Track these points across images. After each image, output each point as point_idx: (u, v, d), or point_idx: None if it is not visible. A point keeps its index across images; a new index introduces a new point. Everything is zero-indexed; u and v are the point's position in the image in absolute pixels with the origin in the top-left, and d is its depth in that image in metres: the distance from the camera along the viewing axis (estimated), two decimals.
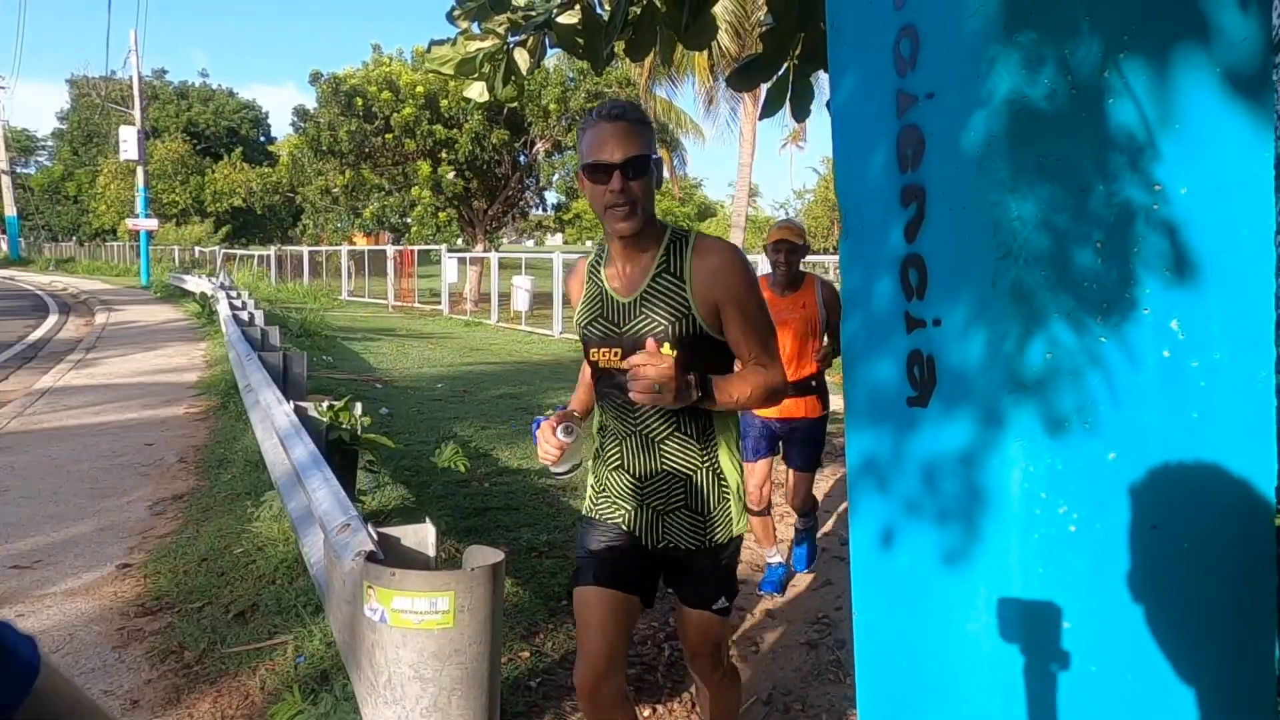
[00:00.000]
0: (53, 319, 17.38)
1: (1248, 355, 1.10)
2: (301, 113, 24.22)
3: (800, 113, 3.16)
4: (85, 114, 50.38)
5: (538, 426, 2.06)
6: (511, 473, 5.76)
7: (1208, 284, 1.09)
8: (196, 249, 38.16)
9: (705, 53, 17.02)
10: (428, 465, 5.66)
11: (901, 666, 1.27)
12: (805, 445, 4.11)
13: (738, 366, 1.74)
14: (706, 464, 1.84)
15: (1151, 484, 1.09)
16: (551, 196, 26.25)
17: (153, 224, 29.85)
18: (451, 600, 1.96)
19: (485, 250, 24.14)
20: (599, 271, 1.91)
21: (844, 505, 5.43)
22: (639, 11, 3.01)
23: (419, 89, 22.08)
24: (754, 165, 18.25)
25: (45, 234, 58.88)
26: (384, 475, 5.33)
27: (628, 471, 1.99)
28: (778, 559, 4.16)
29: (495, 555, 2.10)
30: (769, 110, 3.26)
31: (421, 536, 2.38)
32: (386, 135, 22.58)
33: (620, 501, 2.03)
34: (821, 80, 3.48)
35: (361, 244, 30.11)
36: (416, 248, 24.11)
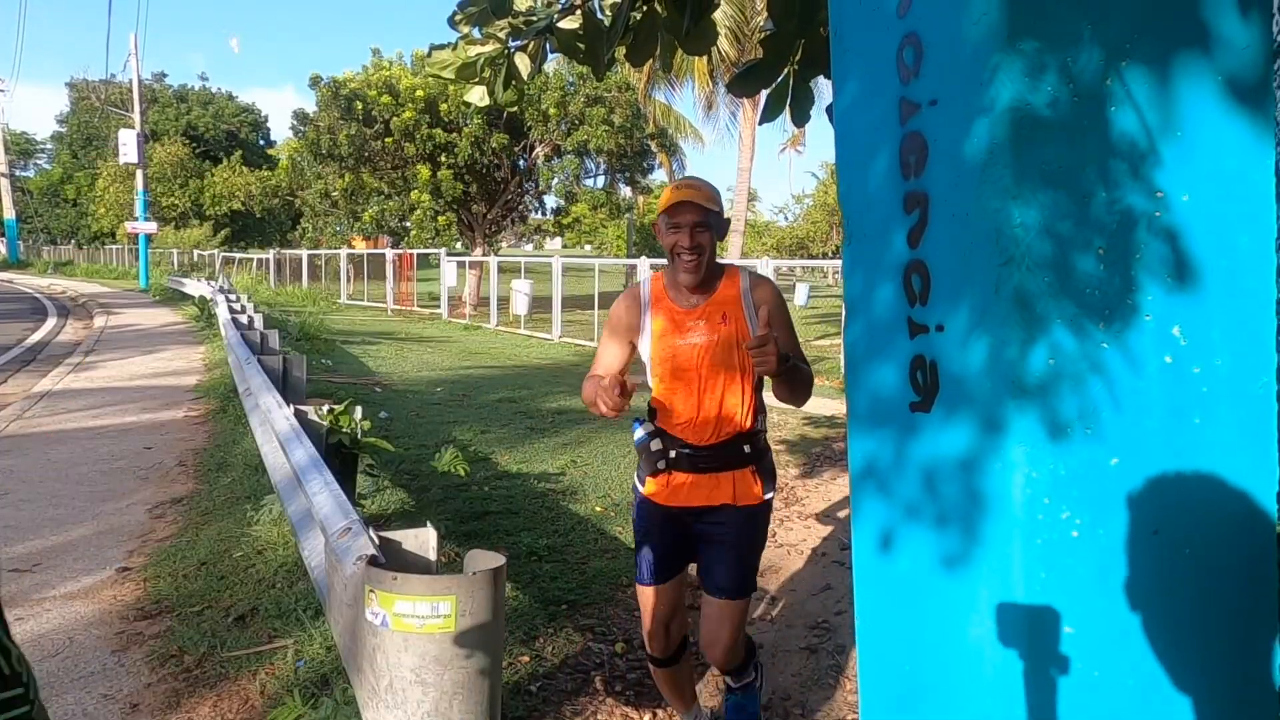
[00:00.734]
0: (51, 322, 17.37)
1: (1249, 361, 1.11)
2: (301, 116, 24.24)
3: (800, 118, 3.17)
4: (85, 117, 50.42)
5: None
6: (511, 477, 5.76)
7: (1209, 290, 1.09)
8: (195, 252, 38.16)
9: (704, 57, 17.04)
10: (427, 469, 5.66)
11: (904, 670, 1.27)
12: (733, 552, 2.44)
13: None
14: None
15: (1153, 490, 1.10)
16: (550, 200, 26.26)
17: (152, 227, 29.84)
18: (453, 604, 1.96)
19: (484, 254, 24.15)
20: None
21: (845, 510, 5.43)
22: (640, 17, 3.02)
23: (419, 93, 22.10)
24: (753, 170, 18.27)
25: (44, 237, 58.86)
26: (383, 479, 5.33)
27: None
28: None
29: (496, 559, 2.10)
30: (769, 115, 3.27)
31: (423, 541, 2.38)
32: (386, 139, 22.60)
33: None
34: (821, 85, 3.50)
35: (361, 248, 30.11)
36: (415, 251, 24.12)
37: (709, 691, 3.16)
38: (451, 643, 1.98)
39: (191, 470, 5.75)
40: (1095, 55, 1.03)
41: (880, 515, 1.33)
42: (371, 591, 2.01)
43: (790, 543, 4.84)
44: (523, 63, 3.15)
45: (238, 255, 36.20)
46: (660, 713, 2.99)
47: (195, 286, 19.34)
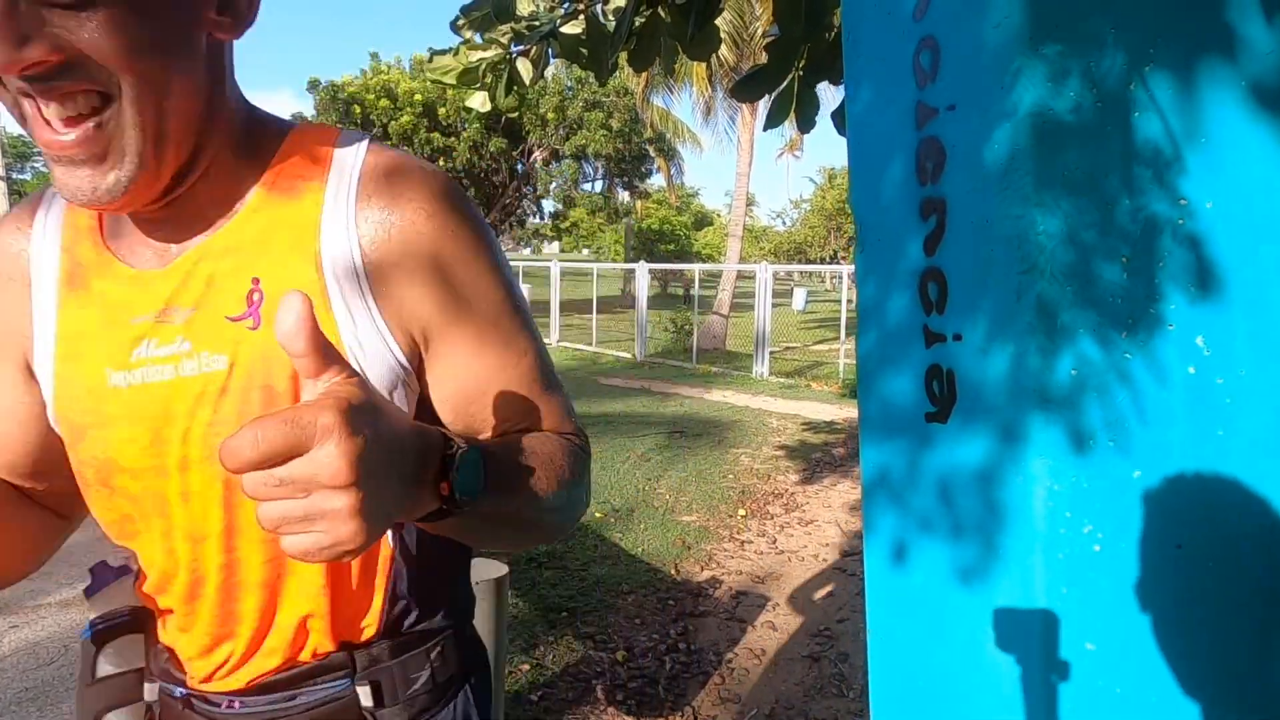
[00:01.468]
0: None
1: (1273, 372, 1.09)
2: (299, 120, 24.25)
3: (805, 124, 3.15)
4: None
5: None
6: None
7: (1233, 300, 1.07)
8: None
9: (704, 63, 17.06)
10: None
11: (917, 686, 1.25)
12: None
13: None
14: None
15: (1176, 503, 1.07)
16: (549, 205, 26.29)
17: None
18: None
19: None
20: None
21: (850, 519, 5.41)
22: (643, 22, 3.00)
23: (417, 97, 22.11)
24: (751, 174, 18.26)
25: None
26: None
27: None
28: None
29: (499, 568, 2.07)
30: (773, 121, 3.25)
31: None
32: (384, 143, 22.60)
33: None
34: (824, 91, 3.48)
35: None
36: None
37: (710, 699, 3.14)
38: None
39: None
40: (1119, 60, 1.01)
41: (893, 527, 1.31)
42: None
43: (791, 549, 4.82)
44: (525, 68, 3.13)
45: None
46: None
47: None
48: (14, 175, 59.34)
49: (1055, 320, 1.02)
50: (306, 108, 35.45)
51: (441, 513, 0.69)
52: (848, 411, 9.40)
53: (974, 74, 1.07)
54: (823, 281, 48.08)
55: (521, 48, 3.04)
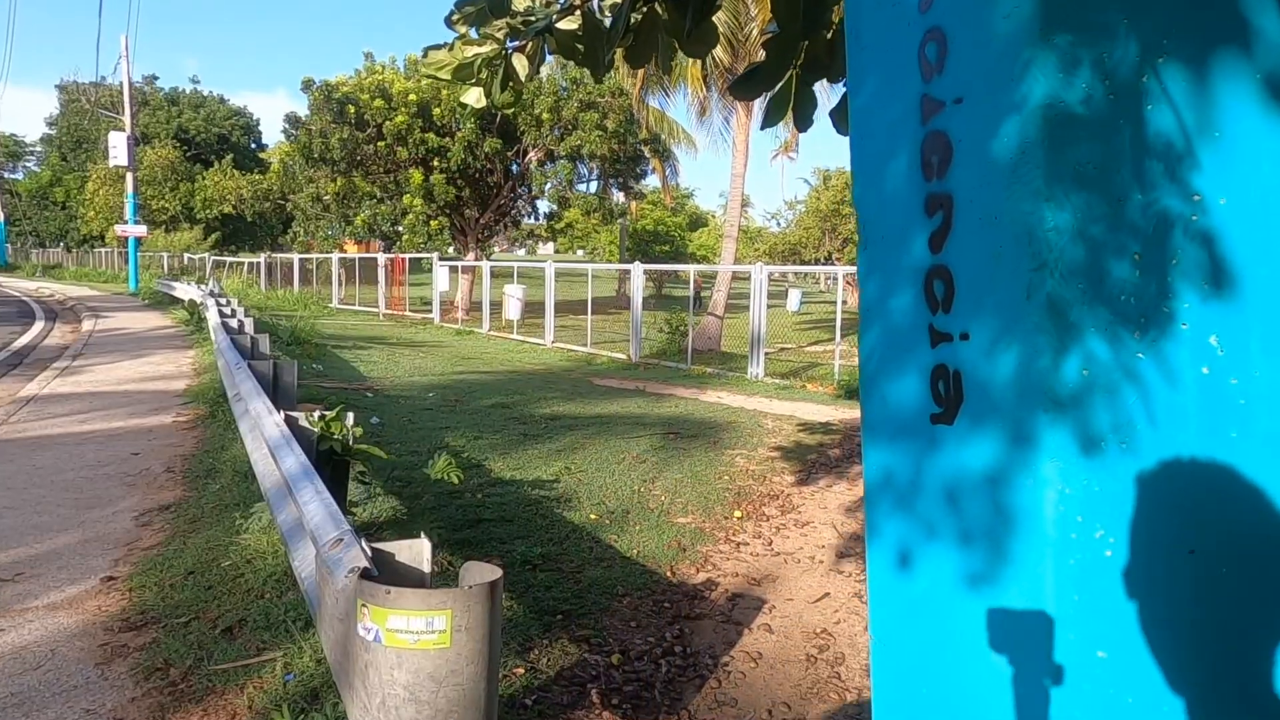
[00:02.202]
0: (39, 325, 17.19)
1: None
2: (293, 120, 24.16)
3: (803, 123, 3.12)
4: (74, 120, 50.14)
5: None
6: (505, 484, 5.69)
7: (1246, 298, 1.05)
8: (186, 256, 37.93)
9: (699, 63, 17.03)
10: (420, 476, 5.58)
11: (922, 694, 1.22)
12: None
13: None
14: None
15: (1189, 507, 1.05)
16: (543, 205, 26.26)
17: (142, 230, 29.65)
18: (449, 620, 1.90)
19: (477, 259, 24.06)
20: None
21: (846, 520, 5.39)
22: (640, 18, 2.98)
23: (411, 97, 22.06)
24: (746, 175, 18.25)
25: (32, 240, 58.45)
26: (375, 486, 5.25)
27: None
28: None
29: (493, 572, 2.04)
30: (771, 120, 3.22)
31: (417, 552, 2.32)
32: (378, 143, 22.53)
33: None
34: (820, 90, 3.46)
35: (352, 252, 29.99)
36: (408, 256, 24.03)
37: (706, 703, 3.11)
38: (446, 659, 1.92)
39: (180, 477, 5.66)
40: (1131, 50, 0.98)
41: (898, 532, 1.27)
42: (364, 606, 1.95)
43: (786, 551, 4.78)
44: (520, 64, 3.10)
45: (228, 259, 36.01)
46: None
47: (185, 290, 19.19)
48: (6, 175, 59.03)
49: (1066, 319, 0.99)
50: (301, 108, 35.35)
51: None
52: (843, 413, 9.39)
53: (982, 66, 1.04)
54: (817, 283, 48.17)
55: (517, 43, 3.01)
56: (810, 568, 4.54)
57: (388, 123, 21.94)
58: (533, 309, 19.94)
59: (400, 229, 23.69)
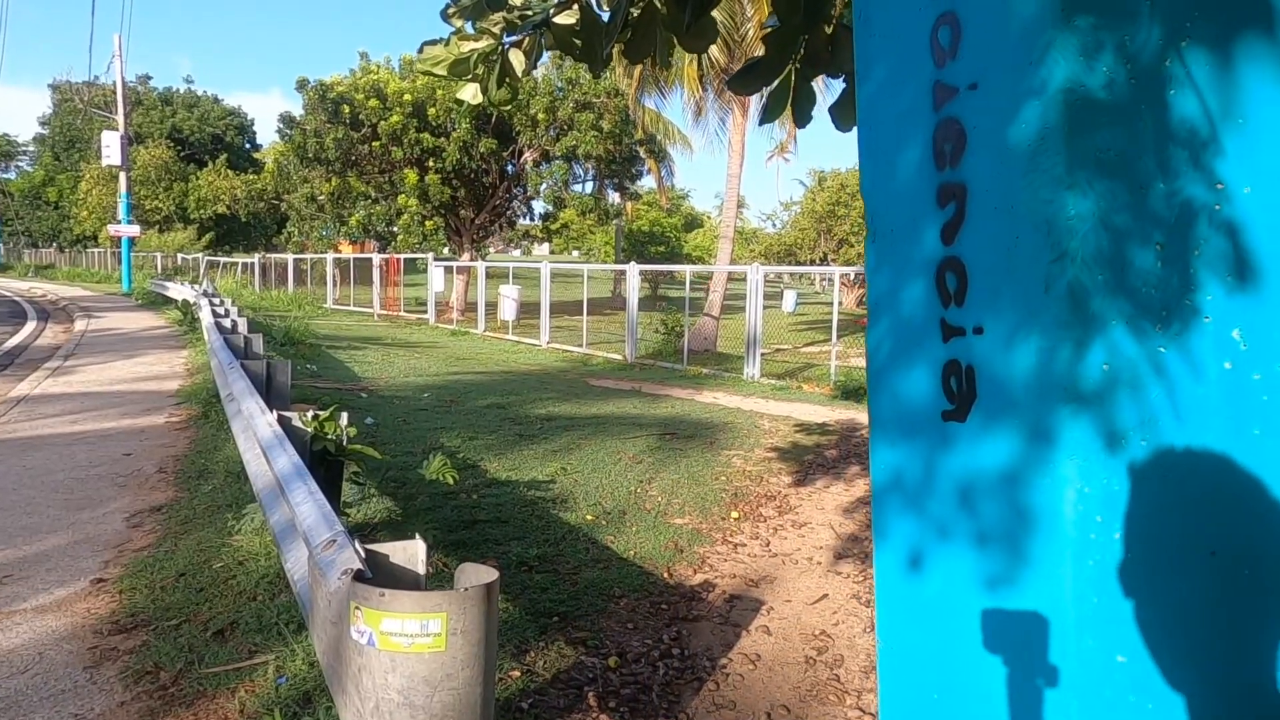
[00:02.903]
0: (31, 325, 17.08)
1: None
2: (287, 119, 24.06)
3: (802, 118, 3.09)
4: (67, 119, 49.91)
5: None
6: (500, 484, 5.65)
7: (1271, 291, 1.01)
8: (179, 256, 37.77)
9: (694, 63, 17.00)
10: (414, 476, 5.53)
11: (931, 700, 1.18)
12: None
13: None
14: None
15: (1211, 507, 1.01)
16: (539, 206, 26.20)
17: (135, 230, 29.50)
18: (444, 622, 1.86)
19: (472, 259, 23.99)
20: None
21: (844, 521, 5.35)
22: (638, 13, 2.94)
23: (406, 97, 21.98)
24: (742, 176, 18.22)
25: (25, 240, 58.19)
26: (370, 487, 5.20)
27: None
28: None
29: (489, 574, 2.00)
30: (770, 115, 3.19)
31: (411, 553, 2.28)
32: (373, 143, 22.45)
33: None
34: (820, 85, 3.43)
35: (347, 252, 29.90)
36: (403, 256, 23.95)
37: (704, 706, 3.07)
38: (442, 663, 1.88)
39: (172, 477, 5.60)
40: (1155, 34, 0.95)
41: (908, 533, 1.23)
42: (357, 608, 1.91)
43: (784, 552, 4.75)
44: (517, 59, 3.06)
45: (222, 259, 35.87)
46: None
47: (179, 290, 19.09)
48: None
49: (1087, 311, 0.96)
50: (295, 107, 35.25)
51: None
52: (839, 413, 9.36)
53: (999, 49, 1.01)
54: (813, 283, 48.16)
55: (514, 38, 2.98)
56: (808, 569, 4.51)
57: (383, 123, 21.87)
58: (528, 309, 19.88)
59: (395, 229, 23.61)
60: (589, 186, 25.26)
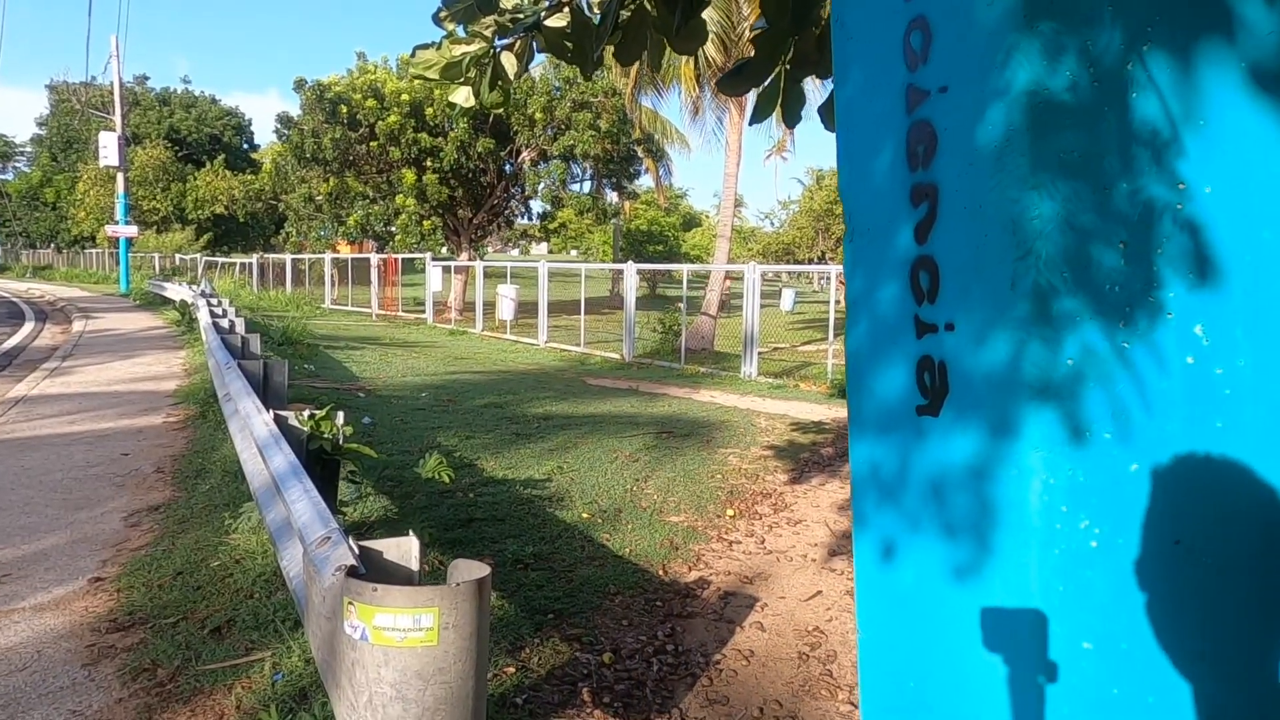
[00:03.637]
0: (29, 326, 17.10)
1: (1272, 362, 1.05)
2: (285, 120, 24.07)
3: (791, 118, 3.12)
4: (64, 120, 49.87)
5: None
6: (496, 483, 5.68)
7: (1231, 288, 1.04)
8: (177, 256, 37.77)
9: (691, 62, 17.03)
10: (411, 476, 5.56)
11: (908, 686, 1.21)
12: None
13: None
14: None
15: (1174, 497, 1.04)
16: (537, 205, 26.21)
17: (133, 231, 29.49)
18: (436, 617, 1.89)
19: (470, 259, 24.02)
20: None
21: (838, 518, 5.38)
22: (629, 15, 2.97)
23: (404, 97, 22.00)
24: (739, 175, 18.27)
25: (22, 241, 58.16)
26: (366, 486, 5.23)
27: None
28: None
29: (481, 569, 2.03)
30: (759, 116, 3.22)
31: (405, 550, 2.30)
32: (371, 143, 22.47)
33: None
34: (811, 87, 3.45)
35: (345, 252, 29.91)
36: (401, 256, 23.97)
37: (698, 701, 3.10)
38: (434, 657, 1.90)
39: (169, 477, 5.62)
40: (1116, 37, 0.98)
41: (884, 524, 1.27)
42: (350, 604, 1.93)
43: (779, 549, 4.78)
44: (509, 62, 3.09)
45: (220, 259, 35.89)
46: None
47: (176, 290, 19.10)
48: None
49: (1051, 308, 0.99)
50: (293, 108, 35.18)
51: None
52: (836, 411, 9.39)
53: (967, 54, 1.04)
54: (810, 282, 48.21)
55: (505, 41, 3.00)
56: (802, 566, 4.53)
57: (380, 123, 21.88)
58: (526, 309, 19.90)
59: (393, 229, 23.63)
60: (587, 186, 25.30)
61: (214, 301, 12.71)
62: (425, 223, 23.02)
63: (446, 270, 22.78)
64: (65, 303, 23.65)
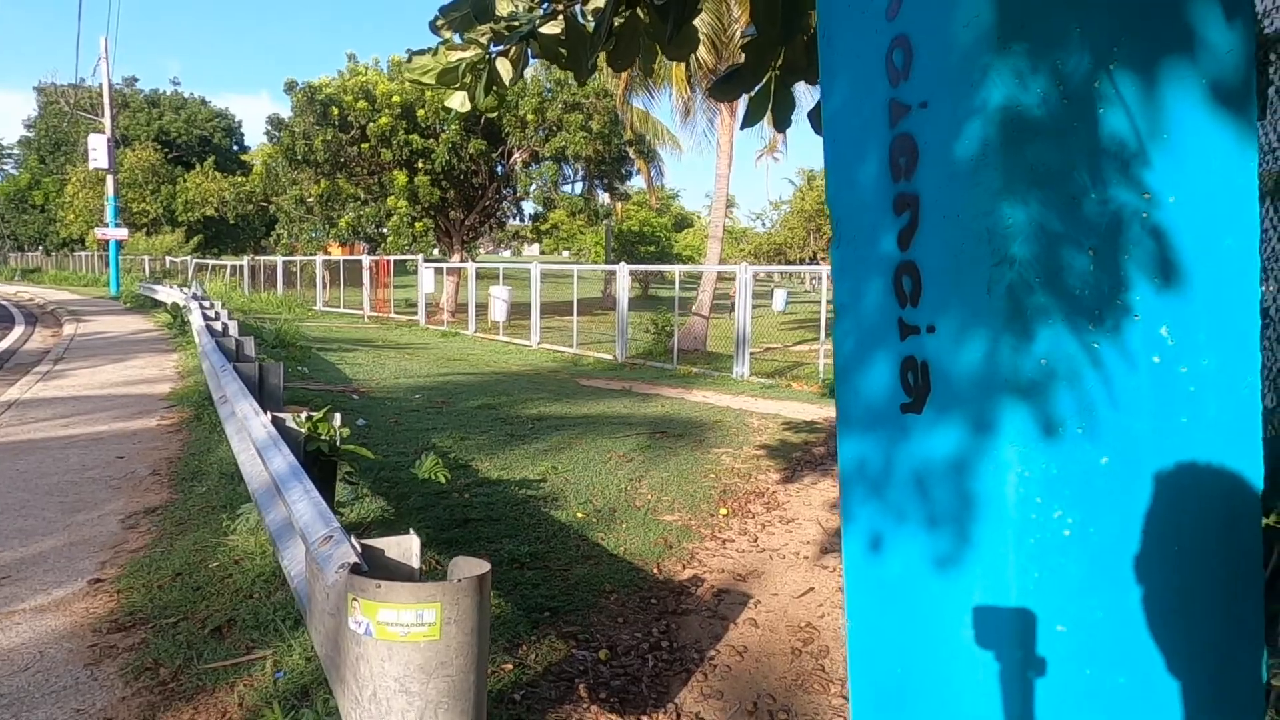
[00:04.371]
0: (19, 330, 17.03)
1: (1234, 361, 1.12)
2: (276, 121, 24.04)
3: (781, 123, 3.18)
4: (53, 122, 49.60)
5: None
6: (491, 484, 5.72)
7: (1195, 291, 1.10)
8: (168, 259, 37.63)
9: (683, 65, 17.10)
10: (407, 476, 5.60)
11: (895, 673, 1.27)
12: None
13: None
14: None
15: (1142, 488, 1.10)
16: (529, 207, 26.24)
17: (122, 233, 29.37)
18: (438, 612, 1.94)
19: (462, 260, 24.03)
20: None
21: (830, 516, 5.45)
22: (622, 22, 3.02)
23: (395, 99, 22.00)
24: (731, 176, 18.33)
25: (10, 244, 57.85)
26: (362, 487, 5.27)
27: None
28: None
29: (481, 566, 2.08)
30: (750, 120, 3.28)
31: (405, 548, 2.35)
32: (362, 145, 22.46)
33: None
34: (801, 91, 3.52)
35: (337, 254, 29.87)
36: (393, 258, 23.96)
37: (693, 696, 3.16)
38: (437, 651, 1.96)
39: (165, 479, 5.65)
40: (1084, 57, 1.04)
41: (871, 518, 1.32)
42: (354, 600, 1.98)
43: (772, 547, 4.84)
44: (504, 68, 3.14)
45: (211, 262, 35.77)
46: (644, 719, 2.98)
47: (167, 293, 19.06)
48: None
49: (1025, 311, 1.04)
50: (284, 109, 35.12)
51: None
52: (828, 411, 9.47)
53: (945, 71, 1.10)
54: (802, 283, 48.37)
55: (501, 48, 3.05)
56: (795, 563, 4.60)
57: (371, 124, 21.87)
58: (518, 310, 19.93)
59: (385, 231, 23.63)
60: (578, 187, 25.33)
61: (206, 304, 12.70)
62: (417, 224, 23.02)
63: (438, 272, 22.79)
64: (55, 306, 23.55)
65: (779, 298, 30.32)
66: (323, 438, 4.13)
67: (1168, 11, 1.08)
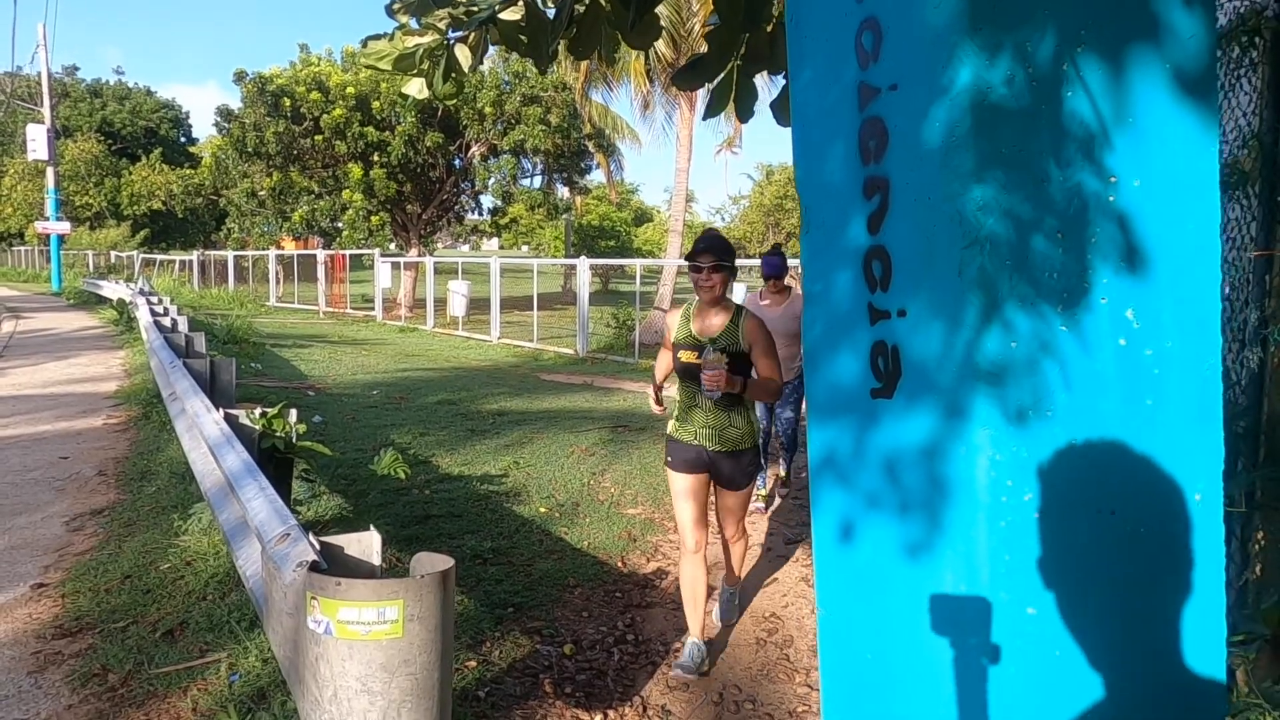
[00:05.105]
0: None
1: (1196, 344, 1.13)
2: (225, 113, 23.43)
3: (744, 113, 3.18)
4: None
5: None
6: (453, 479, 5.65)
7: (1159, 275, 1.11)
8: (113, 254, 36.49)
9: (641, 58, 17.07)
10: (365, 473, 5.50)
11: (866, 659, 1.27)
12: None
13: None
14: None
15: (1109, 470, 1.11)
16: (487, 201, 25.97)
17: (64, 227, 28.40)
18: (400, 609, 1.90)
19: (420, 255, 23.71)
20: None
21: (794, 508, 5.49)
22: (583, 9, 2.99)
23: (349, 90, 21.59)
24: (690, 170, 18.38)
25: None
26: (320, 484, 5.16)
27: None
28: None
29: (445, 561, 2.04)
30: (713, 110, 3.27)
31: (366, 545, 2.30)
32: (316, 137, 22.00)
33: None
34: (762, 82, 3.52)
35: (290, 248, 29.24)
36: (348, 252, 23.55)
37: (659, 689, 3.15)
38: (399, 649, 1.91)
39: (112, 480, 5.47)
40: (1051, 41, 1.04)
41: (840, 506, 1.32)
42: (314, 599, 1.93)
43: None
44: (463, 55, 3.08)
45: (159, 257, 34.81)
46: (611, 713, 2.96)
47: (113, 289, 18.48)
48: None
49: (995, 294, 1.04)
50: (233, 100, 34.32)
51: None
52: None
53: (915, 54, 1.09)
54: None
55: (460, 34, 2.99)
56: (760, 555, 4.62)
57: (325, 116, 21.44)
58: (478, 305, 19.74)
59: (340, 225, 23.19)
60: (537, 181, 25.15)
61: (154, 300, 12.34)
62: (373, 218, 22.65)
63: (396, 266, 22.46)
64: None
65: (738, 291, 30.54)
66: (278, 434, 4.03)
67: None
